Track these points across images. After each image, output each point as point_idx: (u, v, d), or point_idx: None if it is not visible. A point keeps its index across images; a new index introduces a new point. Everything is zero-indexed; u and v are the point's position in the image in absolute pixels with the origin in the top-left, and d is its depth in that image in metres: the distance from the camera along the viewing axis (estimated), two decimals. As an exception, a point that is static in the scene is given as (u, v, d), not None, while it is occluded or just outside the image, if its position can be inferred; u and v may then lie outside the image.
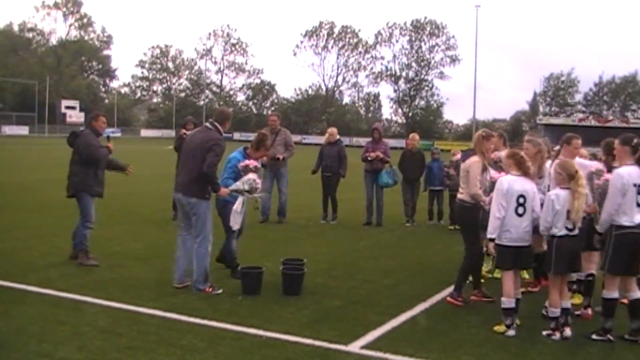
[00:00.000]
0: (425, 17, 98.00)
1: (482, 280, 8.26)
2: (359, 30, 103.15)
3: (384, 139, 14.61)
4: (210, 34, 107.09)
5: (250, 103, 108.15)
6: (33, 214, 13.88)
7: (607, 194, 6.73)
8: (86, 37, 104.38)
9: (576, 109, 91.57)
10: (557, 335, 6.65)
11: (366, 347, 6.12)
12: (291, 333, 6.38)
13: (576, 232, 6.67)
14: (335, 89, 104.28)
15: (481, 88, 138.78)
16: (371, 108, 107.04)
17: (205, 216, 7.91)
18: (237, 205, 8.27)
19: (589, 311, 7.48)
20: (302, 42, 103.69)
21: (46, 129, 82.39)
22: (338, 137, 14.41)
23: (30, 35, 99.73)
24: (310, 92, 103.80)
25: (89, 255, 9.17)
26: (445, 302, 7.86)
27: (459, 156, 12.56)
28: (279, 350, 5.94)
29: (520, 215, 6.77)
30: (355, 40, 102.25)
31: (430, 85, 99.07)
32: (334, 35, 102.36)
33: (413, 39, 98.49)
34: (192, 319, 6.73)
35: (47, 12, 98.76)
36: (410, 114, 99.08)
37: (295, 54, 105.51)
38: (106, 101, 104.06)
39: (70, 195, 9.29)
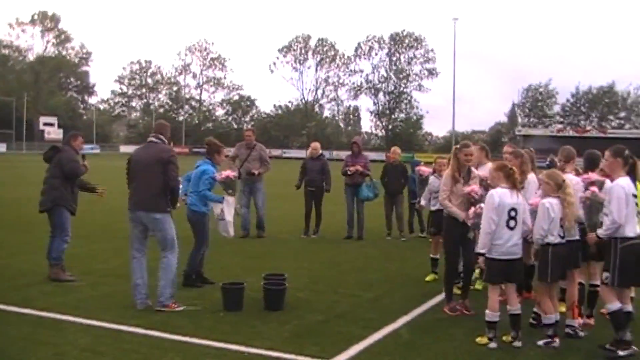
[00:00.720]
0: (404, 30, 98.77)
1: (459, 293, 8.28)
2: (336, 43, 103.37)
3: (363, 152, 14.68)
4: (189, 48, 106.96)
5: (230, 118, 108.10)
6: (12, 231, 13.77)
7: (593, 206, 6.90)
8: (64, 53, 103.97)
9: (554, 120, 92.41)
10: (557, 341, 6.71)
11: (348, 361, 6.13)
12: (274, 349, 6.37)
13: (565, 240, 6.84)
14: (314, 102, 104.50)
15: (460, 100, 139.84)
16: (351, 121, 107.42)
17: (171, 230, 7.84)
18: (218, 212, 8.46)
19: (592, 321, 7.58)
20: (277, 57, 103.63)
21: (24, 145, 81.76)
22: (321, 151, 14.47)
23: (7, 52, 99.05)
24: (290, 106, 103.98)
25: (64, 269, 9.20)
26: (443, 312, 7.97)
27: (425, 171, 12.23)
28: (262, 366, 5.94)
29: (511, 229, 6.77)
30: (333, 52, 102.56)
31: (409, 97, 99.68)
32: (311, 49, 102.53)
33: (392, 51, 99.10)
34: (174, 336, 6.71)
35: (22, 29, 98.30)
36: (390, 127, 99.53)
37: (272, 71, 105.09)
38: (85, 117, 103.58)
39: (44, 210, 9.31)
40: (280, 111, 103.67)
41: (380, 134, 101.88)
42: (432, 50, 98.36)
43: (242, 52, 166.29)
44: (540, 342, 6.76)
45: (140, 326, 7.01)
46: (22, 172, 35.06)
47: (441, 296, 8.53)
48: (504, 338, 6.79)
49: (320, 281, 9.63)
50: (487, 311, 6.79)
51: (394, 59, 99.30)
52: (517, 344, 6.71)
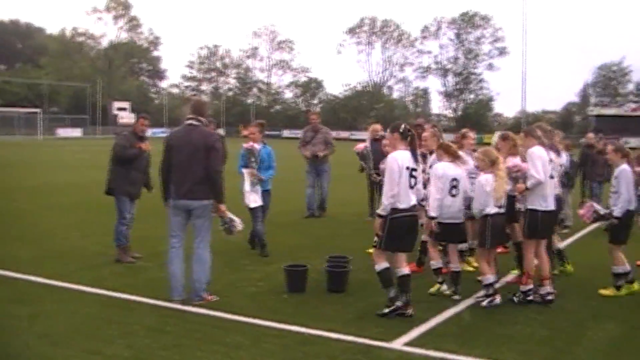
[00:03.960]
0: (471, 10, 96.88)
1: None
2: (402, 24, 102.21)
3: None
4: (256, 32, 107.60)
5: (299, 100, 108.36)
6: (85, 214, 14.26)
7: None
8: (135, 39, 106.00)
9: (628, 99, 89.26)
10: (498, 298, 7.47)
11: (409, 344, 6.15)
12: (335, 330, 6.44)
13: (503, 210, 7.58)
14: (382, 84, 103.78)
15: (531, 79, 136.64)
16: (420, 102, 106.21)
17: (211, 219, 7.64)
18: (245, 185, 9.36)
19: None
20: (344, 40, 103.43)
21: (99, 130, 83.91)
22: (382, 133, 14.42)
23: (82, 39, 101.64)
24: (358, 88, 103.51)
25: (126, 251, 9.51)
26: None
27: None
28: (322, 347, 6.01)
29: (453, 196, 7.79)
30: (399, 33, 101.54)
31: (478, 78, 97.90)
32: (376, 30, 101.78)
33: (460, 31, 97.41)
34: (237, 317, 6.86)
35: (97, 17, 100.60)
36: (459, 108, 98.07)
37: (339, 52, 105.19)
38: (156, 101, 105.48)
39: (106, 192, 9.63)
40: (348, 93, 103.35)
41: (450, 115, 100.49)
42: (500, 29, 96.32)
43: (309, 34, 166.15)
44: (484, 303, 7.44)
45: (204, 306, 7.18)
46: (96, 156, 36.07)
47: (505, 280, 8.50)
48: (441, 290, 7.92)
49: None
50: (432, 262, 8.06)
51: (462, 39, 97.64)
52: (456, 297, 7.70)
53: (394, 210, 6.85)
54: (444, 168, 7.86)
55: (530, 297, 7.58)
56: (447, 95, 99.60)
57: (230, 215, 7.72)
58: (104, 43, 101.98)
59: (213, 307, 7.16)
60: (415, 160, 7.06)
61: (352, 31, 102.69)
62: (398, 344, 6.14)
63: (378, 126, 14.52)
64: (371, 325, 6.65)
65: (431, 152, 8.78)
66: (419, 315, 6.99)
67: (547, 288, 7.62)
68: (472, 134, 9.74)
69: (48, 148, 47.47)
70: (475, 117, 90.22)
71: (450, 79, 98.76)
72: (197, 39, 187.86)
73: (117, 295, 7.70)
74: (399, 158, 6.90)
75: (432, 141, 8.80)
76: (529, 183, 7.56)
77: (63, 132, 79.07)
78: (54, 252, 10.09)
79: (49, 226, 12.69)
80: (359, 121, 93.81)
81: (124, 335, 6.25)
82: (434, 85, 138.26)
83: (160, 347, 5.93)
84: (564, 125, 72.24)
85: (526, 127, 8.70)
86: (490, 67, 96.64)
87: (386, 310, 6.99)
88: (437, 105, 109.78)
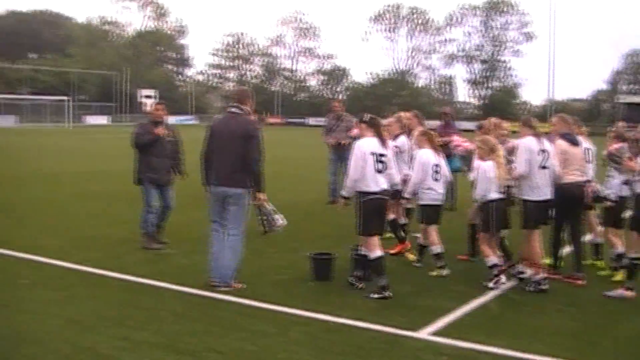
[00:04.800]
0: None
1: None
2: (427, 11, 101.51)
3: (456, 121, 14.50)
4: (281, 19, 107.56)
5: (324, 87, 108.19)
6: (114, 201, 14.39)
7: None
8: (162, 28, 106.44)
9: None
10: (504, 277, 7.73)
11: (435, 333, 6.13)
12: (361, 319, 6.44)
13: (504, 195, 7.91)
14: (407, 71, 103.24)
15: (558, 67, 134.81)
16: (445, 90, 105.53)
17: (246, 208, 7.61)
18: None
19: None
20: (369, 27, 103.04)
21: (126, 117, 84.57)
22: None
23: (108, 27, 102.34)
24: (383, 75, 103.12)
25: (153, 239, 9.60)
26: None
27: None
28: (348, 336, 6.02)
29: (436, 180, 8.50)
30: (424, 20, 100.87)
31: (505, 65, 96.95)
32: (402, 17, 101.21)
33: (486, 18, 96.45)
34: (264, 305, 6.89)
35: (123, 5, 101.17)
36: (485, 96, 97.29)
37: (365, 40, 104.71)
38: (182, 89, 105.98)
39: (135, 182, 9.76)
40: (373, 80, 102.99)
41: (475, 102, 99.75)
42: (527, 14, 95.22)
43: (334, 21, 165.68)
44: (490, 284, 7.64)
45: (231, 294, 7.22)
46: (122, 143, 36.44)
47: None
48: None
49: (410, 252, 9.61)
50: (431, 247, 8.49)
51: (488, 26, 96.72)
52: (445, 272, 8.27)
53: (365, 193, 7.34)
54: (427, 155, 8.54)
55: (542, 286, 7.62)
56: (473, 83, 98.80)
57: (271, 207, 7.80)
58: (130, 31, 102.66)
59: (240, 295, 7.19)
60: (383, 145, 7.52)
61: (376, 18, 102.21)
62: (424, 333, 6.13)
63: (402, 114, 14.48)
64: (397, 315, 6.64)
65: (396, 137, 9.51)
66: (445, 305, 6.97)
67: (533, 274, 7.77)
68: (505, 124, 9.76)
69: (76, 135, 47.94)
70: (501, 105, 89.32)
71: (476, 67, 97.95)
72: (222, 26, 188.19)
73: (146, 281, 7.78)
74: (363, 145, 7.40)
75: (396, 126, 9.66)
76: (515, 173, 7.86)
77: (91, 119, 79.89)
78: (82, 239, 10.20)
79: (76, 213, 12.84)
80: (384, 109, 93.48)
81: (152, 322, 6.31)
82: (460, 72, 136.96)
83: (188, 334, 5.98)
84: (591, 113, 71.22)
85: (523, 116, 9.14)
86: (516, 53, 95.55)
87: (375, 296, 7.23)
88: (463, 93, 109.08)
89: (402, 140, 9.63)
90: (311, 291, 7.50)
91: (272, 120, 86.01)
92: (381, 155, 7.42)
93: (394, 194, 8.36)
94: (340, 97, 79.45)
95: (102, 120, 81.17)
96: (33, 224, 11.59)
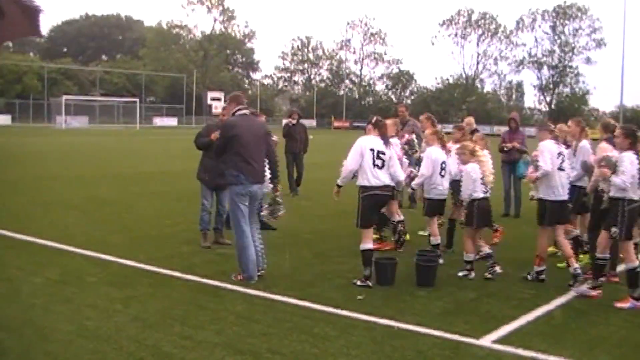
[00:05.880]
0: (565, 1, 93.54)
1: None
2: (497, 16, 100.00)
3: (523, 128, 14.23)
4: (349, 24, 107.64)
5: (390, 92, 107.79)
6: (180, 201, 14.61)
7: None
8: (229, 31, 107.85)
9: None
10: (472, 274, 8.29)
11: (498, 341, 6.02)
12: (423, 325, 6.38)
13: (489, 194, 8.50)
14: (475, 77, 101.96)
15: (629, 73, 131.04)
16: (513, 96, 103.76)
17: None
18: None
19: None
20: (439, 31, 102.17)
21: (193, 119, 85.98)
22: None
23: (178, 31, 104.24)
24: (450, 80, 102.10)
25: (205, 237, 9.89)
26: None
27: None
28: (410, 342, 5.96)
29: (442, 177, 9.10)
30: (494, 26, 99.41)
31: (574, 71, 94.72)
32: (473, 22, 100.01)
33: (556, 23, 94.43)
34: (325, 308, 6.88)
35: (192, 9, 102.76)
36: (553, 102, 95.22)
37: (433, 44, 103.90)
38: (249, 92, 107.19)
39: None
40: (440, 85, 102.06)
41: (543, 109, 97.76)
42: (598, 19, 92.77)
43: (401, 26, 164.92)
44: (460, 274, 8.31)
45: (293, 297, 7.24)
46: (189, 145, 37.06)
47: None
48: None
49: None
50: (431, 238, 9.10)
51: (558, 31, 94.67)
52: (440, 260, 8.55)
53: (365, 188, 7.86)
54: (436, 152, 9.16)
55: (543, 277, 8.19)
56: (542, 89, 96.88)
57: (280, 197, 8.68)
58: (198, 34, 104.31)
59: (301, 297, 7.21)
60: (386, 144, 8.04)
61: (447, 23, 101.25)
62: (487, 340, 6.02)
63: (471, 119, 14.30)
64: (459, 321, 6.55)
65: (391, 136, 9.58)
66: (508, 313, 6.85)
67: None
68: (565, 127, 9.73)
69: (145, 136, 48.97)
70: (569, 111, 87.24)
71: (546, 72, 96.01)
72: (290, 30, 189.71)
73: (208, 282, 7.87)
74: (363, 141, 7.96)
75: (392, 129, 9.92)
76: (538, 173, 8.13)
77: (159, 121, 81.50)
78: (146, 238, 10.41)
79: (141, 213, 13.11)
80: (451, 114, 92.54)
81: (214, 322, 6.37)
82: (529, 78, 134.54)
83: (249, 335, 6.02)
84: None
85: (540, 121, 9.63)
86: (587, 60, 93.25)
87: (358, 283, 7.80)
88: (532, 100, 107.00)
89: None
90: (374, 295, 7.45)
91: (336, 124, 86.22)
92: (381, 152, 7.95)
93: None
94: (405, 101, 78.93)
95: (170, 121, 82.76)
96: (99, 221, 11.89)
